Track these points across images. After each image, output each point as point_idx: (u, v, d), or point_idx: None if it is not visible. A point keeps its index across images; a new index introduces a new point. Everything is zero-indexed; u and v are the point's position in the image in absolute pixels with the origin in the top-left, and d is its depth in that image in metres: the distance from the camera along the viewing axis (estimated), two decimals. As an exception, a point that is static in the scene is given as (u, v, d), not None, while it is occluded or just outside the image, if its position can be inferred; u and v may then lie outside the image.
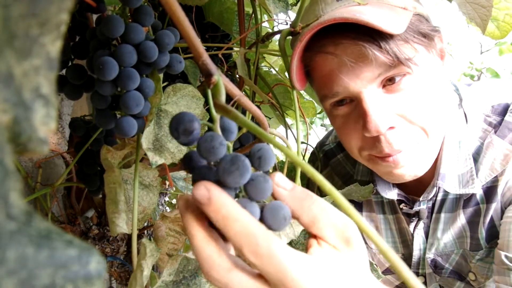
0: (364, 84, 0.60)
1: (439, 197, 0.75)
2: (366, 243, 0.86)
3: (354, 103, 0.64)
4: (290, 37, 0.66)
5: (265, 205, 0.30)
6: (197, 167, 0.32)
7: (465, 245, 0.76)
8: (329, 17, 0.56)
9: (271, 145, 0.29)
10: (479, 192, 0.71)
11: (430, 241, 0.79)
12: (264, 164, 0.31)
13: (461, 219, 0.74)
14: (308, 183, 0.94)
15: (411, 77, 0.60)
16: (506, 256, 0.68)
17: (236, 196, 0.30)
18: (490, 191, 0.71)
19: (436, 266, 0.80)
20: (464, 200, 0.73)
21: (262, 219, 0.30)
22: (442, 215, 0.76)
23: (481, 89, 0.78)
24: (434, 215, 0.77)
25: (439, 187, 0.73)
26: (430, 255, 0.80)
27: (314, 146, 1.00)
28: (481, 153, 0.71)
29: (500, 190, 0.69)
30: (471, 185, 0.71)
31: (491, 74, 3.36)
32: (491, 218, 0.71)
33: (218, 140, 0.28)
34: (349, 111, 0.65)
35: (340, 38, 0.59)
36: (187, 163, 0.32)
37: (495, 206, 0.70)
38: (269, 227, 0.30)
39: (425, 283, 0.84)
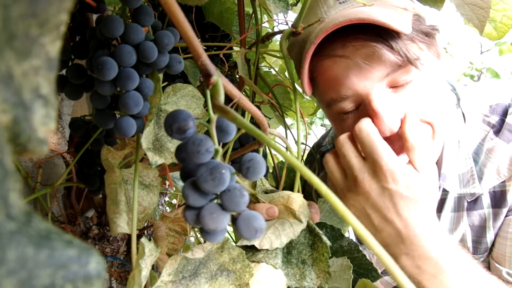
0: (372, 85, 0.59)
1: (439, 196, 0.75)
2: (362, 244, 0.86)
3: (361, 108, 0.63)
4: (291, 37, 0.66)
5: (241, 213, 0.30)
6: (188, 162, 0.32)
7: (466, 249, 0.75)
8: (344, 19, 0.56)
9: (270, 147, 0.29)
10: (485, 196, 0.70)
11: None
12: (251, 175, 0.31)
13: (465, 222, 0.73)
14: (305, 184, 0.94)
15: (418, 76, 0.61)
16: (508, 273, 0.67)
17: (212, 200, 0.31)
18: (498, 196, 0.70)
19: None
20: (468, 202, 0.72)
21: (235, 227, 0.30)
22: (443, 214, 0.75)
23: (479, 89, 0.78)
24: (446, 213, 0.76)
25: (439, 187, 0.72)
26: None
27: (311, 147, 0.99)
28: (480, 154, 0.71)
29: (510, 196, 0.69)
30: (472, 184, 0.70)
31: (491, 74, 3.36)
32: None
33: (205, 146, 0.28)
34: (355, 116, 0.64)
35: (350, 41, 0.59)
36: (179, 154, 0.32)
37: (506, 211, 0.70)
38: (241, 236, 0.30)
39: None
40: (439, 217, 0.77)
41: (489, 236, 0.72)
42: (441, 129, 0.64)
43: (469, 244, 0.74)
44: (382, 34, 0.56)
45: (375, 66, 0.58)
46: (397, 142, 0.61)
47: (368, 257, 0.86)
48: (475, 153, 0.72)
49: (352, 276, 0.51)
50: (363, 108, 0.63)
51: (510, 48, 3.23)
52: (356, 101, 0.63)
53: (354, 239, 0.86)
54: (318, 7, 0.62)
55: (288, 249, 0.53)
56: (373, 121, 0.60)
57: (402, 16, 0.58)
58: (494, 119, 0.72)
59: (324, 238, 0.51)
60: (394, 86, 0.61)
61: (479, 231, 0.73)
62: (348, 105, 0.64)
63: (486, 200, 0.71)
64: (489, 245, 0.72)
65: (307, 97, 1.08)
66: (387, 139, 0.61)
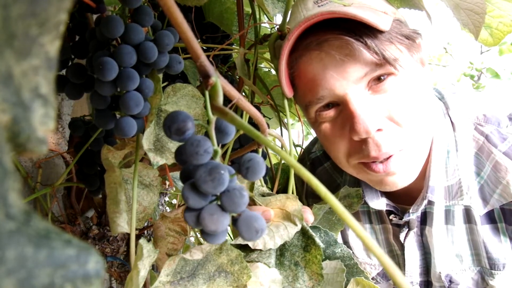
0: (350, 85, 0.59)
1: (442, 209, 0.73)
2: (352, 252, 0.85)
3: (340, 107, 0.62)
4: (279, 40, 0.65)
5: (241, 213, 0.30)
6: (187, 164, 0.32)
7: (484, 263, 0.73)
8: (316, 13, 0.56)
9: (269, 148, 0.29)
10: (496, 210, 0.69)
11: (441, 254, 0.76)
12: (251, 175, 0.31)
13: (478, 235, 0.72)
14: (296, 187, 0.93)
15: (396, 79, 0.60)
16: None
17: (212, 202, 0.30)
18: (508, 213, 0.68)
19: (451, 281, 0.77)
20: (481, 216, 0.70)
21: (236, 228, 0.30)
22: (434, 227, 0.74)
23: (469, 97, 0.75)
24: (438, 226, 0.74)
25: (425, 199, 0.71)
26: (443, 269, 0.77)
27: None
28: (482, 168, 0.69)
29: None
30: (460, 197, 0.69)
31: (491, 74, 3.36)
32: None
33: (204, 147, 0.28)
34: (335, 115, 0.63)
35: (325, 35, 0.59)
36: (179, 156, 0.32)
37: None
38: (242, 237, 0.30)
39: None
40: (423, 229, 0.75)
41: (505, 252, 0.70)
42: (423, 130, 0.63)
43: (486, 258, 0.72)
44: (357, 31, 0.56)
45: (351, 63, 0.57)
46: (372, 146, 0.60)
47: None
48: (476, 165, 0.70)
49: (345, 279, 0.51)
50: (341, 110, 0.62)
51: (510, 48, 3.23)
52: (333, 102, 0.62)
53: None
54: (298, 11, 0.61)
55: (281, 251, 0.53)
56: (350, 123, 0.59)
57: (380, 16, 0.57)
58: (489, 129, 0.69)
59: (317, 240, 0.51)
60: (372, 87, 0.60)
61: (496, 246, 0.71)
62: (325, 106, 0.63)
63: (497, 213, 0.69)
64: (507, 261, 0.70)
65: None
66: (364, 141, 0.60)
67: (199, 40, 0.85)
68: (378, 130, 0.59)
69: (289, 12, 0.58)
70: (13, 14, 0.14)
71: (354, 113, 0.58)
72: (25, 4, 0.14)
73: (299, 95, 0.67)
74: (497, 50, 3.27)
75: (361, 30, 0.56)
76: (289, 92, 0.64)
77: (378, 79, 0.59)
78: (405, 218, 0.75)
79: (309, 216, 0.56)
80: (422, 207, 0.72)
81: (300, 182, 0.92)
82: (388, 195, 0.77)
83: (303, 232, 0.53)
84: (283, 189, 0.62)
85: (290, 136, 0.65)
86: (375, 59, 0.57)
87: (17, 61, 0.14)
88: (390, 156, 0.62)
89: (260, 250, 0.51)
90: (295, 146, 1.02)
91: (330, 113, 0.63)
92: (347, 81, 0.59)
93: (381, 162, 0.62)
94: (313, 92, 0.62)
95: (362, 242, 0.25)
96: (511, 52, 3.22)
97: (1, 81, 0.13)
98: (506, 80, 3.27)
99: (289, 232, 0.51)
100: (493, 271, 0.72)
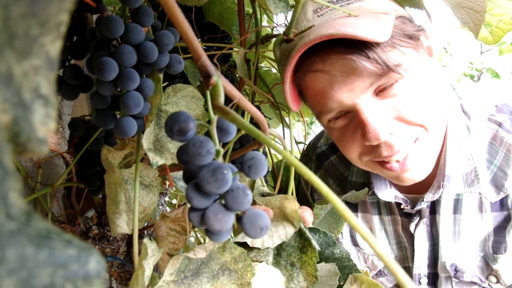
0: (357, 95, 0.60)
1: (451, 198, 0.74)
2: (358, 245, 0.86)
3: (351, 114, 0.64)
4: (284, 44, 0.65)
5: (246, 211, 0.30)
6: (190, 164, 0.32)
7: (487, 248, 0.75)
8: (315, 36, 0.56)
9: (270, 148, 0.29)
10: (510, 197, 0.71)
11: (447, 243, 0.77)
12: (253, 173, 0.31)
13: (486, 223, 0.73)
14: (299, 186, 0.93)
15: (404, 81, 0.60)
16: None
17: (215, 201, 0.30)
18: None
19: (456, 270, 0.78)
20: (492, 204, 0.72)
21: (240, 226, 0.30)
22: (442, 215, 0.75)
23: (480, 89, 0.78)
24: (446, 215, 0.75)
25: (442, 188, 0.72)
26: (448, 259, 0.78)
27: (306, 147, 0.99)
28: (496, 155, 0.71)
29: None
30: (477, 184, 0.71)
31: (491, 74, 3.36)
32: None
33: (206, 147, 0.28)
34: (346, 122, 0.65)
35: (327, 54, 0.59)
36: (181, 156, 0.32)
37: None
38: (247, 235, 0.30)
39: (430, 284, 0.83)
40: (433, 219, 0.76)
41: (510, 236, 0.72)
42: (434, 124, 0.64)
43: (490, 243, 0.74)
44: (358, 45, 0.57)
45: (356, 77, 0.58)
46: (385, 147, 0.61)
47: (363, 258, 0.86)
48: (489, 153, 0.71)
49: (338, 283, 0.51)
50: (352, 117, 0.64)
51: (510, 48, 3.22)
52: (343, 111, 0.64)
53: (349, 240, 0.86)
54: (298, 22, 0.62)
55: (278, 251, 0.53)
56: (361, 129, 0.61)
57: (380, 22, 0.57)
58: (502, 118, 0.72)
59: (314, 242, 0.52)
60: (380, 94, 0.61)
61: (501, 231, 0.72)
62: (336, 116, 0.65)
63: (510, 202, 0.71)
64: (509, 245, 0.72)
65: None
66: (377, 146, 0.62)
67: (199, 39, 0.85)
68: (390, 134, 0.61)
69: (295, 18, 0.58)
70: (14, 14, 0.14)
71: (364, 122, 0.60)
72: (25, 4, 0.14)
73: (308, 104, 0.69)
74: (497, 50, 3.27)
75: (362, 43, 0.56)
76: (295, 107, 0.66)
77: (384, 86, 0.60)
78: (417, 207, 0.76)
79: (308, 216, 0.56)
80: (438, 195, 0.73)
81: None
82: (398, 185, 0.78)
83: (301, 234, 0.53)
84: (286, 188, 0.62)
85: (292, 135, 0.66)
86: (378, 70, 0.57)
87: (18, 61, 0.14)
88: (406, 156, 0.63)
89: (258, 248, 0.51)
90: (297, 143, 1.02)
91: (341, 122, 0.65)
92: (354, 92, 0.60)
93: (397, 161, 0.64)
94: (322, 104, 0.64)
95: (363, 238, 0.25)
96: (511, 52, 3.22)
97: (1, 81, 0.13)
98: (506, 80, 3.27)
99: (287, 232, 0.51)
100: (495, 255, 0.74)
